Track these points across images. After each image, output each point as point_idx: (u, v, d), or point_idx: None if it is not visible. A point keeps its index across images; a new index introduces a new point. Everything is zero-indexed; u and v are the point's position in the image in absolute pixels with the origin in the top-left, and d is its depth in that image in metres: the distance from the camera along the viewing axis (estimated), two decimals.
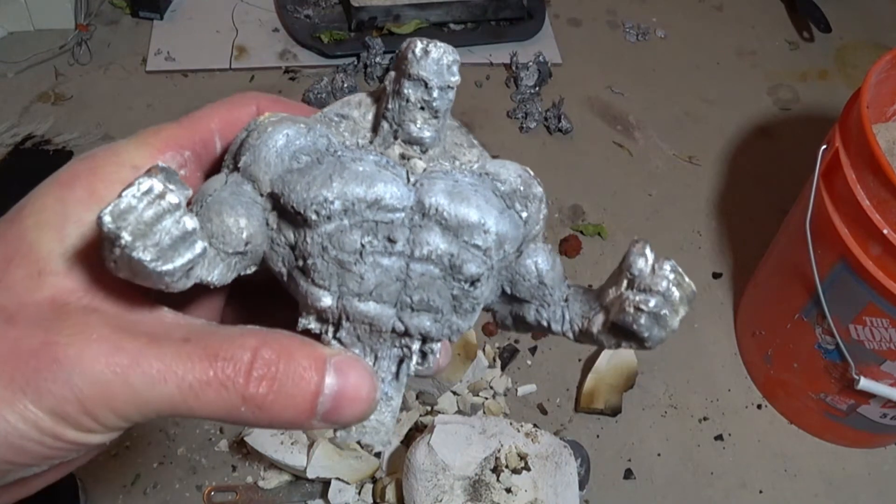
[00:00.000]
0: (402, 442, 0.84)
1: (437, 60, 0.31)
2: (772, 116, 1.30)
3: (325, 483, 0.82)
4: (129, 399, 0.27)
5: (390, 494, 0.79)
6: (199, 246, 0.28)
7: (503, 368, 0.95)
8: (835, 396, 0.86)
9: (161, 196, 0.27)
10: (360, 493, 0.81)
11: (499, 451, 0.75)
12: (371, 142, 0.33)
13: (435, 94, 0.31)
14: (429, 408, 0.88)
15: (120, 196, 0.26)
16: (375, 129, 0.33)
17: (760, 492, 0.90)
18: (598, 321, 0.34)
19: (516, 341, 0.98)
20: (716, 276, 1.08)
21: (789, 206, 0.92)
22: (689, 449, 0.93)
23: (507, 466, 0.74)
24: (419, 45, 0.31)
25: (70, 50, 1.22)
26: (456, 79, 0.31)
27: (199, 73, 1.23)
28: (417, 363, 0.34)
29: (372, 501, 0.81)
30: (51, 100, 1.17)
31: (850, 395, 0.84)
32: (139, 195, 0.26)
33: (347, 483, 0.81)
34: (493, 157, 0.34)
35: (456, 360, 0.85)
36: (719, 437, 0.94)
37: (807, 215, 0.79)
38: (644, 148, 1.23)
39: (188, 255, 0.27)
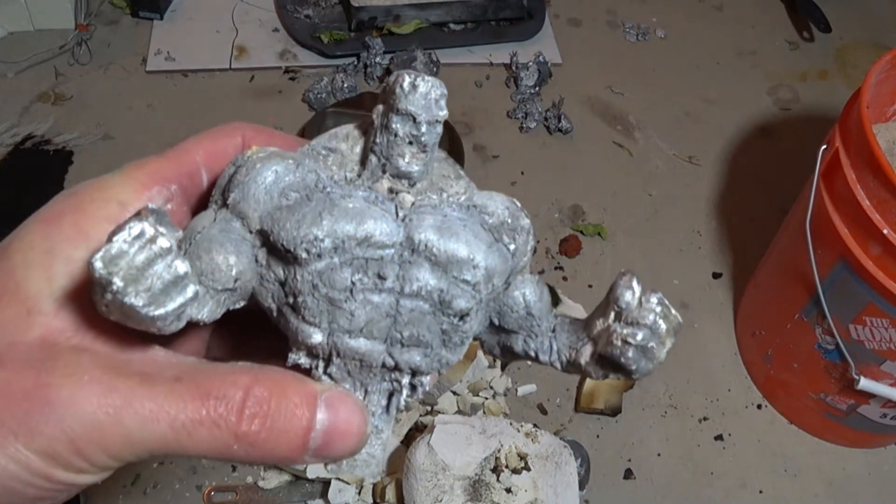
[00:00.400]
0: (402, 442, 0.84)
1: (425, 95, 0.31)
2: (772, 116, 1.30)
3: (325, 483, 0.82)
4: (122, 439, 0.28)
5: (390, 494, 0.79)
6: (191, 290, 0.28)
7: (503, 368, 0.94)
8: (835, 396, 0.86)
9: (152, 240, 0.27)
10: (360, 494, 0.81)
11: (499, 451, 0.75)
12: (359, 175, 0.33)
13: (423, 128, 0.32)
14: (429, 408, 0.88)
15: (111, 240, 0.26)
16: (363, 162, 0.33)
17: (760, 492, 0.90)
18: (587, 353, 0.35)
19: None
20: (716, 276, 1.08)
21: (789, 206, 0.92)
22: (689, 449, 0.93)
23: (507, 466, 0.74)
24: (407, 80, 0.31)
25: (70, 50, 1.22)
26: (444, 113, 0.32)
27: (199, 73, 1.23)
28: (407, 396, 0.34)
29: (372, 501, 0.81)
30: (51, 100, 1.17)
31: (850, 395, 0.84)
32: (130, 239, 0.26)
33: (347, 483, 0.81)
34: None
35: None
36: (719, 437, 0.94)
37: (807, 215, 0.79)
38: (644, 148, 1.23)
39: (180, 300, 0.27)
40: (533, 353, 0.36)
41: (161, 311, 0.27)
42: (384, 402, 0.34)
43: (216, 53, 1.25)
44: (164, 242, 0.27)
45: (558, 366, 0.36)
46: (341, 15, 1.31)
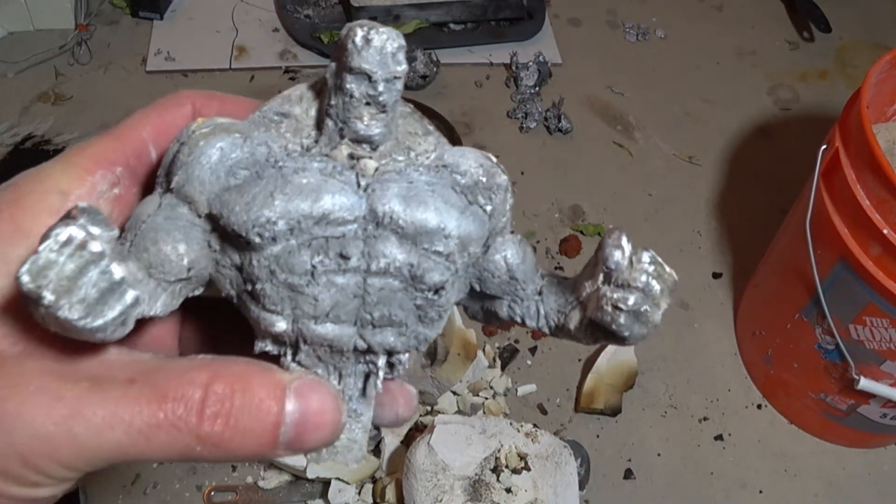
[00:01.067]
0: (402, 442, 0.84)
1: (380, 49, 0.28)
2: (772, 116, 1.30)
3: (325, 483, 0.82)
4: (75, 450, 0.26)
5: (390, 494, 0.79)
6: (131, 295, 0.26)
7: (503, 368, 0.94)
8: (835, 396, 0.86)
9: (82, 245, 0.25)
10: (360, 493, 0.81)
11: (499, 451, 0.75)
12: (316, 141, 0.30)
13: (380, 87, 0.28)
14: (429, 408, 0.88)
15: (37, 250, 0.24)
16: (320, 126, 0.30)
17: (760, 492, 0.90)
18: (575, 318, 0.32)
19: (516, 341, 0.98)
20: (716, 276, 1.08)
21: (789, 206, 0.92)
22: (689, 449, 0.92)
23: (507, 466, 0.74)
24: (360, 33, 0.28)
25: (70, 50, 1.22)
26: (402, 68, 0.28)
27: (199, 73, 1.23)
28: (386, 375, 0.32)
29: (372, 501, 0.81)
30: (51, 100, 1.17)
31: (850, 395, 0.84)
32: (58, 247, 0.24)
33: (347, 483, 0.81)
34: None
35: (456, 360, 0.85)
36: (719, 437, 0.94)
37: (807, 215, 0.79)
38: (644, 148, 1.23)
39: (119, 307, 0.26)
40: (519, 319, 0.33)
41: (100, 321, 0.25)
42: (361, 385, 0.32)
43: (216, 53, 1.25)
44: (95, 247, 0.25)
45: (546, 331, 0.33)
46: (341, 15, 1.31)
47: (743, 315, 1.01)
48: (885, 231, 0.70)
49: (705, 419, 0.95)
